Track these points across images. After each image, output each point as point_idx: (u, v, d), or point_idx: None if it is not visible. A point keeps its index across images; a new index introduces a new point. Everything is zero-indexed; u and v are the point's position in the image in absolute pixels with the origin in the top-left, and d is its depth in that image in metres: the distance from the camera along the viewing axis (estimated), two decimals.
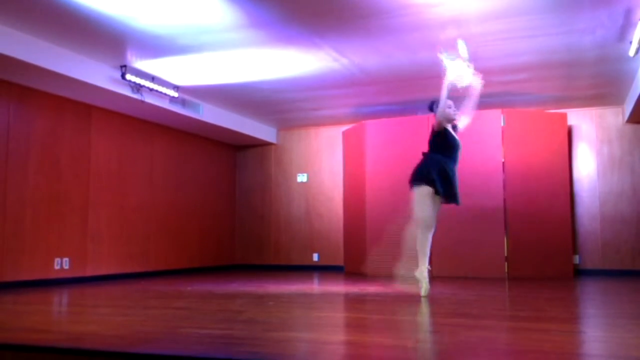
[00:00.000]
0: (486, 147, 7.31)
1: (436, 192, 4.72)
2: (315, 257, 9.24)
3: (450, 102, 4.84)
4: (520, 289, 5.64)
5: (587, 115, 8.06)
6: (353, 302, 4.77)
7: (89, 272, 6.85)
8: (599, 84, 6.94)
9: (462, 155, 4.99)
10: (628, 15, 4.88)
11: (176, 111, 7.38)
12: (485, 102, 7.61)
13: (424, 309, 4.19)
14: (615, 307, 4.29)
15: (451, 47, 4.74)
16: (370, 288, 5.80)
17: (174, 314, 3.83)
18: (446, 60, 4.61)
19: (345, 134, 8.78)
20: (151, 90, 6.70)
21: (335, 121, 9.12)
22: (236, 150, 9.97)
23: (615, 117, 7.95)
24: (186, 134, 8.71)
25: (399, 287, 4.72)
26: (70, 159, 6.70)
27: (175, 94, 7.03)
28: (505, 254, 7.22)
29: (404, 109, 8.16)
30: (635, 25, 5.05)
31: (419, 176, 4.76)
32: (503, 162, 7.32)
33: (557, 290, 5.56)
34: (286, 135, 9.69)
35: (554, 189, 7.35)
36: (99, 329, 3.23)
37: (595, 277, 7.41)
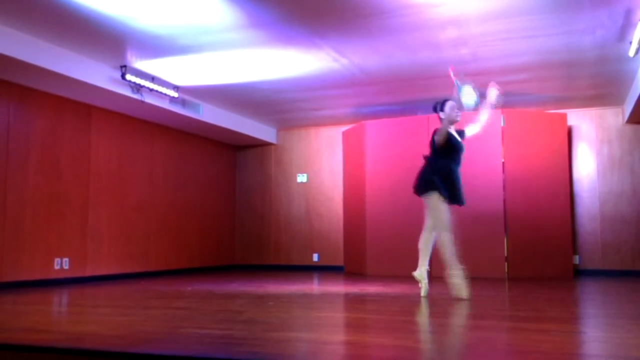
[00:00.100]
0: (486, 148, 7.30)
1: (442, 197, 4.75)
2: (315, 257, 9.24)
3: (453, 104, 4.84)
4: (520, 289, 5.64)
5: (587, 116, 8.07)
6: (353, 302, 4.77)
7: (89, 272, 6.85)
8: (599, 84, 6.94)
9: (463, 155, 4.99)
10: (628, 15, 4.88)
11: (176, 111, 7.38)
12: (485, 102, 7.62)
13: (424, 309, 4.19)
14: (615, 307, 4.29)
15: (460, 65, 4.81)
16: (370, 288, 5.81)
17: (174, 314, 3.83)
18: (458, 84, 4.63)
19: (345, 134, 8.78)
20: (151, 90, 6.70)
21: (335, 121, 9.12)
22: (236, 150, 9.97)
23: (615, 117, 7.95)
24: (186, 134, 8.71)
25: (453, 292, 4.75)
26: (70, 159, 6.70)
27: (175, 94, 7.03)
28: (505, 254, 7.22)
29: (404, 109, 8.16)
30: (635, 25, 5.05)
31: (425, 185, 4.79)
32: (503, 163, 7.32)
33: (557, 290, 5.55)
34: (286, 135, 9.69)
35: (554, 189, 7.35)
36: (99, 329, 3.23)
37: (595, 277, 7.41)
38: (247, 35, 5.39)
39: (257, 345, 2.69)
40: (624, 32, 5.26)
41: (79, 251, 6.73)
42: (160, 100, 7.05)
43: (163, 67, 6.32)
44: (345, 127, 9.09)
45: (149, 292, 5.52)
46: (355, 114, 8.58)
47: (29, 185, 6.18)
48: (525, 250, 7.22)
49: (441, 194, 4.70)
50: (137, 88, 6.60)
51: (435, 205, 4.73)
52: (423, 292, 4.84)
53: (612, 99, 7.62)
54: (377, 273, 7.75)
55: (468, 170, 6.71)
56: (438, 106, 4.93)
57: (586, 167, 7.99)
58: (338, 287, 6.00)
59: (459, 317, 3.81)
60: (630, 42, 5.38)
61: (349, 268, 8.47)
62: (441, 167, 4.76)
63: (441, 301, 4.62)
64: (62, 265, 6.49)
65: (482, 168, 7.27)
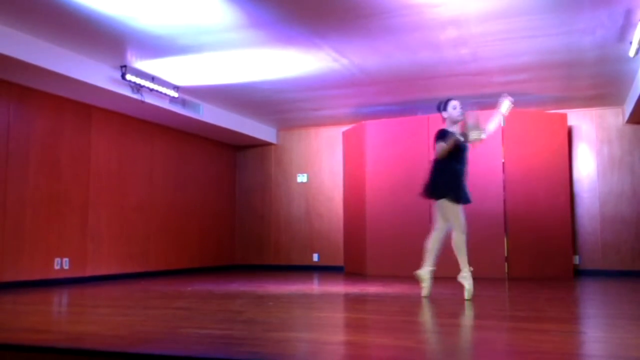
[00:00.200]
0: (486, 148, 7.30)
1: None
2: (315, 257, 9.24)
3: (456, 103, 4.85)
4: (520, 289, 5.64)
5: (587, 116, 8.07)
6: (353, 302, 4.77)
7: (89, 272, 6.85)
8: (599, 84, 6.94)
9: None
10: (628, 15, 4.88)
11: (176, 111, 7.38)
12: (485, 102, 7.62)
13: (424, 309, 4.19)
14: (615, 307, 4.29)
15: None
16: (370, 288, 5.81)
17: (174, 314, 3.83)
18: (468, 124, 4.62)
19: (345, 134, 8.78)
20: (151, 90, 6.70)
21: (335, 121, 9.12)
22: (236, 150, 9.97)
23: (615, 117, 7.95)
24: (186, 134, 8.71)
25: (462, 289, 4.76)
26: (70, 159, 6.70)
27: (176, 94, 7.03)
28: (505, 254, 7.22)
29: (404, 109, 8.16)
30: (635, 25, 5.05)
31: (434, 190, 4.80)
32: (503, 163, 7.33)
33: (557, 290, 5.55)
34: (286, 135, 9.69)
35: (554, 189, 7.35)
36: (99, 329, 3.23)
37: (595, 277, 7.41)
38: (247, 35, 5.39)
39: (257, 345, 2.69)
40: (624, 32, 5.26)
41: (79, 251, 6.73)
42: (161, 100, 7.05)
43: (163, 67, 6.32)
44: (345, 127, 9.09)
45: (149, 292, 5.52)
46: (355, 114, 8.58)
47: (29, 185, 6.18)
48: (525, 250, 7.22)
49: (450, 197, 4.71)
50: (137, 88, 6.60)
51: (448, 208, 4.74)
52: (424, 292, 4.85)
53: (612, 99, 7.62)
54: (377, 273, 7.75)
55: (468, 170, 6.72)
56: (441, 105, 4.93)
57: (586, 167, 8.00)
58: (338, 287, 6.00)
59: (459, 317, 3.81)
60: (631, 42, 5.38)
61: (349, 268, 8.48)
62: (446, 169, 4.76)
63: (441, 301, 4.62)
64: (62, 265, 6.49)
65: (482, 168, 7.27)
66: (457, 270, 4.73)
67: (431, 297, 4.79)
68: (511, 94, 7.32)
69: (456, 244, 4.71)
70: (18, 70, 5.63)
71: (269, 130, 9.54)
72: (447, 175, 4.75)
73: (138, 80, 6.43)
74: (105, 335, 2.97)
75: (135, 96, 6.64)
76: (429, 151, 7.51)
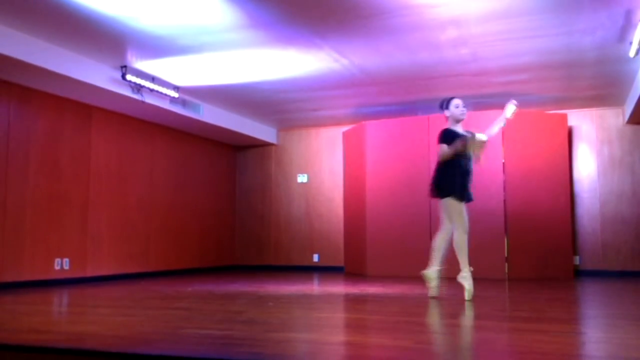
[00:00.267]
0: (486, 148, 7.28)
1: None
2: (315, 257, 9.24)
3: (458, 102, 4.85)
4: (521, 290, 5.64)
5: (587, 116, 8.07)
6: (353, 302, 4.77)
7: (89, 272, 6.85)
8: (599, 84, 6.94)
9: None
10: (628, 16, 4.88)
11: (176, 111, 7.38)
12: (485, 102, 7.62)
13: (424, 309, 4.19)
14: (616, 308, 4.29)
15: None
16: (370, 289, 5.80)
17: (174, 314, 3.83)
18: (469, 141, 4.62)
19: (345, 135, 8.78)
20: (151, 90, 6.70)
21: (335, 122, 9.12)
22: (236, 150, 9.97)
23: (615, 117, 7.95)
24: (186, 134, 8.72)
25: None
26: (71, 159, 6.70)
27: (176, 95, 7.04)
28: (506, 255, 7.22)
29: (404, 109, 8.16)
30: (636, 26, 5.05)
31: (439, 189, 4.78)
32: (503, 163, 7.32)
33: (557, 291, 5.55)
34: (286, 135, 9.69)
35: (554, 189, 7.35)
36: (99, 329, 3.23)
37: (595, 277, 7.41)
38: (247, 36, 5.39)
39: (257, 345, 2.69)
40: (624, 33, 5.26)
41: (79, 251, 6.73)
42: (161, 100, 7.05)
43: (163, 67, 6.32)
44: (345, 128, 9.09)
45: (149, 292, 5.52)
46: (355, 114, 8.58)
47: (29, 186, 6.18)
48: (525, 250, 7.22)
49: (455, 196, 4.70)
50: (138, 88, 6.61)
51: (452, 207, 4.72)
52: (432, 293, 4.79)
53: (613, 100, 7.62)
54: (377, 273, 7.75)
55: (472, 168, 6.72)
56: (444, 104, 4.92)
57: (586, 167, 7.99)
58: (338, 288, 6.00)
59: (460, 317, 3.81)
60: (631, 43, 5.38)
61: (349, 268, 8.48)
62: (451, 167, 4.73)
63: (441, 301, 4.61)
64: (62, 265, 6.49)
65: (482, 168, 7.25)
66: (457, 270, 4.72)
67: (431, 298, 4.78)
68: (511, 95, 7.33)
69: (457, 244, 4.70)
70: (18, 71, 5.63)
71: (269, 130, 9.54)
72: (452, 173, 4.73)
73: (138, 81, 6.43)
74: (106, 336, 2.97)
75: (135, 96, 6.64)
76: (429, 151, 7.52)
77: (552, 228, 7.28)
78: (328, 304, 4.58)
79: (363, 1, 4.63)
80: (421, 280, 5.05)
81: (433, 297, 4.77)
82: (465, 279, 4.65)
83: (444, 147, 4.70)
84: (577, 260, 7.83)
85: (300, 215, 9.42)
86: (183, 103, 7.45)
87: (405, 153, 7.77)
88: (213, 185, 9.33)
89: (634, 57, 5.53)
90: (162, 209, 8.12)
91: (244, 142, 9.63)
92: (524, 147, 7.39)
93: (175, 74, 6.57)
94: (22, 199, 6.09)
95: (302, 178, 9.48)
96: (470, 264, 4.72)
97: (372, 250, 7.85)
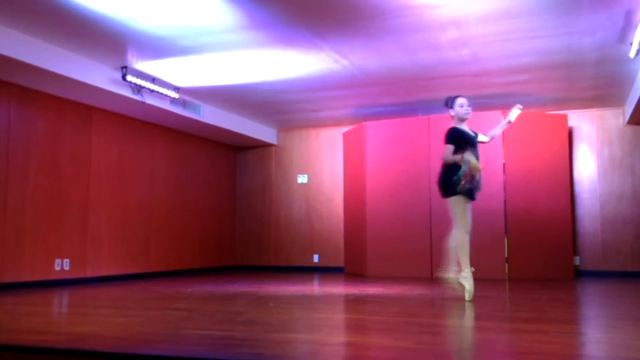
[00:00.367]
0: (487, 148, 7.29)
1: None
2: (315, 258, 9.24)
3: (463, 101, 4.84)
4: (521, 290, 5.63)
5: (587, 117, 8.07)
6: (353, 303, 4.77)
7: (90, 273, 6.85)
8: (599, 85, 6.94)
9: None
10: (628, 16, 4.88)
11: (177, 112, 7.38)
12: (486, 103, 7.62)
13: (424, 310, 4.19)
14: (616, 308, 4.29)
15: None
16: (371, 289, 5.80)
17: (174, 315, 3.83)
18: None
19: (345, 135, 8.79)
20: (152, 91, 6.70)
21: (335, 122, 9.12)
22: (237, 151, 9.97)
23: (615, 118, 7.95)
24: (187, 135, 8.72)
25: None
26: (71, 160, 6.70)
27: (176, 95, 7.04)
28: (506, 255, 7.21)
29: (405, 110, 8.16)
30: (636, 26, 5.05)
31: (445, 188, 4.75)
32: (504, 163, 7.32)
33: (557, 291, 5.55)
34: (287, 136, 9.70)
35: (555, 190, 7.35)
36: (100, 330, 3.23)
37: (595, 278, 7.41)
38: (247, 36, 5.39)
39: (257, 346, 2.69)
40: (624, 34, 5.26)
41: (79, 252, 6.73)
42: (161, 101, 7.06)
43: (164, 68, 6.33)
44: (345, 128, 9.09)
45: (150, 293, 5.52)
46: (355, 115, 8.58)
47: (29, 186, 6.18)
48: (525, 251, 7.21)
49: (461, 195, 4.68)
50: (138, 89, 6.61)
51: (455, 206, 4.71)
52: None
53: (613, 100, 7.62)
54: (377, 274, 7.75)
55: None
56: (449, 103, 4.91)
57: (587, 168, 7.99)
58: (338, 288, 6.00)
59: (460, 318, 3.81)
60: (631, 44, 5.38)
61: (350, 269, 8.47)
62: (457, 167, 4.70)
63: (442, 302, 4.61)
64: (62, 266, 6.49)
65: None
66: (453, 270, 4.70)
67: (431, 298, 4.77)
68: (512, 95, 7.34)
69: (459, 243, 4.67)
70: (19, 71, 5.63)
71: (270, 131, 9.54)
72: (457, 170, 4.71)
73: (139, 81, 6.43)
74: (106, 336, 2.97)
75: (135, 97, 6.64)
76: (430, 152, 7.52)
77: (552, 228, 7.28)
78: (328, 305, 4.57)
79: (363, 2, 4.63)
80: (421, 281, 5.05)
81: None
82: (466, 279, 4.64)
83: (450, 148, 4.68)
84: (577, 260, 7.82)
85: (301, 215, 9.42)
86: (183, 104, 7.45)
87: (405, 154, 7.77)
88: (213, 186, 9.33)
89: (634, 57, 5.53)
90: (162, 209, 8.12)
91: (244, 143, 9.64)
92: (525, 148, 7.39)
93: (175, 74, 6.57)
94: (22, 199, 6.09)
95: (302, 178, 9.48)
96: (472, 264, 4.70)
97: (373, 250, 7.85)
